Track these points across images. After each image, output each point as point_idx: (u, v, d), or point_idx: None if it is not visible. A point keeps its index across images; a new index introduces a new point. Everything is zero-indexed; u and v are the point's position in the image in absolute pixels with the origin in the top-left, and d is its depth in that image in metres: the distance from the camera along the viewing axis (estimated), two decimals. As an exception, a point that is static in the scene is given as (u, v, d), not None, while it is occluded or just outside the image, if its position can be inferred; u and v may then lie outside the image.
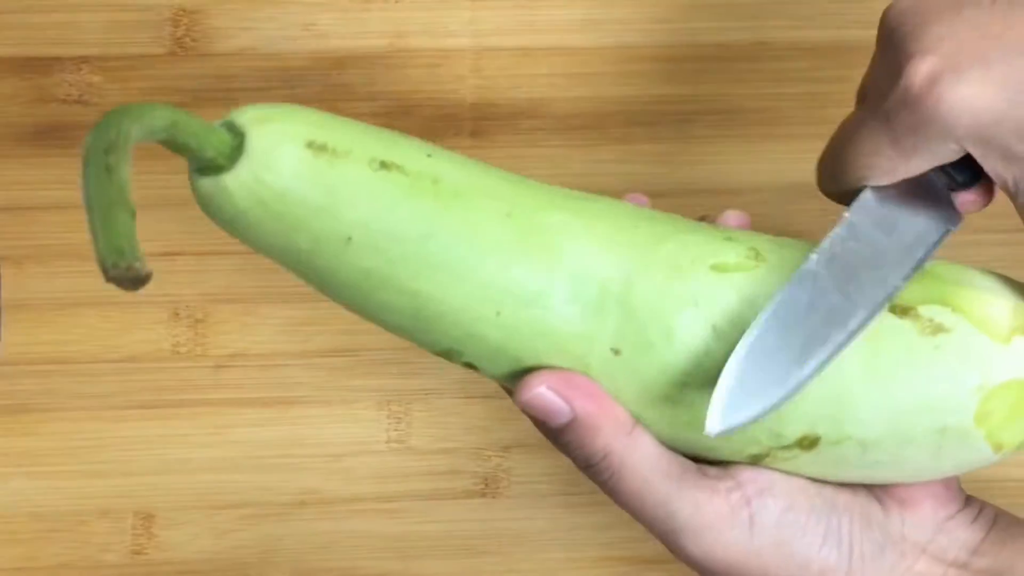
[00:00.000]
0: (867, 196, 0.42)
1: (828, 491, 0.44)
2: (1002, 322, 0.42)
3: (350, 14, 0.64)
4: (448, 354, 0.43)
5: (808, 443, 0.42)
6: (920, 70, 0.39)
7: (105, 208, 0.35)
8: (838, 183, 0.43)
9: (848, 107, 0.65)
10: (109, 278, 0.34)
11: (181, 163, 0.63)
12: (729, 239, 0.43)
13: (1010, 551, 0.43)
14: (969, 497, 0.45)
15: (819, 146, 0.65)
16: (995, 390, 0.42)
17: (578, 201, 0.43)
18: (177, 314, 0.63)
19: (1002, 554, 0.43)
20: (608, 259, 0.42)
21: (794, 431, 0.42)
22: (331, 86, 0.64)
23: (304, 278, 0.42)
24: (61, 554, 0.62)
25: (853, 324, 0.41)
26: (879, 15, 0.65)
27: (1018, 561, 0.43)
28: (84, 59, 0.64)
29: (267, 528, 0.62)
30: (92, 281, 0.63)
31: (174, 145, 0.38)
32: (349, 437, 0.63)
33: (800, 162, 0.64)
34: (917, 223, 0.42)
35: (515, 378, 0.42)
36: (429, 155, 0.42)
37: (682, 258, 0.42)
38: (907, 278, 0.42)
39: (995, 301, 0.42)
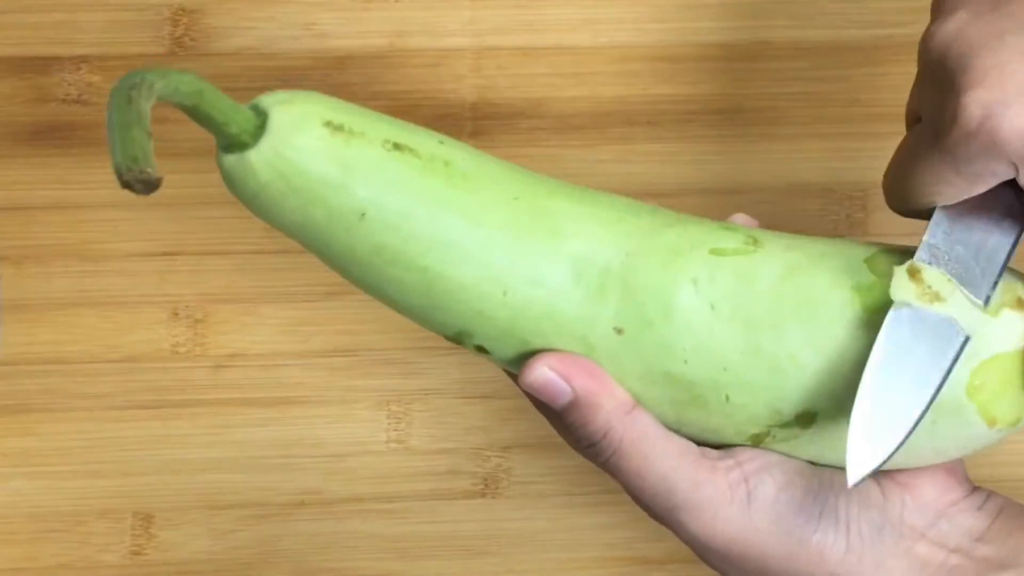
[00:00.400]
0: (940, 216, 0.44)
1: (827, 472, 0.44)
2: (992, 297, 0.43)
3: (350, 14, 0.64)
4: (459, 337, 0.44)
5: (806, 420, 0.43)
6: (973, 104, 0.40)
7: (123, 127, 0.38)
8: (907, 205, 0.45)
9: (848, 107, 0.65)
10: (123, 182, 0.37)
11: (179, 163, 0.63)
12: (729, 229, 0.45)
13: (1017, 540, 0.44)
14: (976, 486, 0.46)
15: (819, 146, 0.65)
16: (985, 363, 0.43)
17: (583, 192, 0.45)
18: (177, 314, 0.63)
19: (1008, 543, 0.44)
20: (610, 243, 0.43)
21: (791, 407, 0.43)
22: (331, 86, 0.64)
23: (322, 255, 0.44)
24: (60, 554, 0.62)
25: (956, 344, 0.42)
26: (879, 15, 0.65)
27: (1022, 552, 0.44)
28: (83, 59, 0.64)
29: (267, 528, 0.62)
30: (92, 281, 0.63)
31: (199, 115, 0.41)
32: (349, 437, 0.63)
33: (800, 162, 0.65)
34: (992, 230, 0.44)
35: (523, 362, 0.44)
36: (441, 142, 0.44)
37: (682, 243, 0.44)
38: (995, 284, 0.43)
39: None
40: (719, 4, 0.65)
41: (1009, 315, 0.43)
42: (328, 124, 0.42)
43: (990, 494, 0.46)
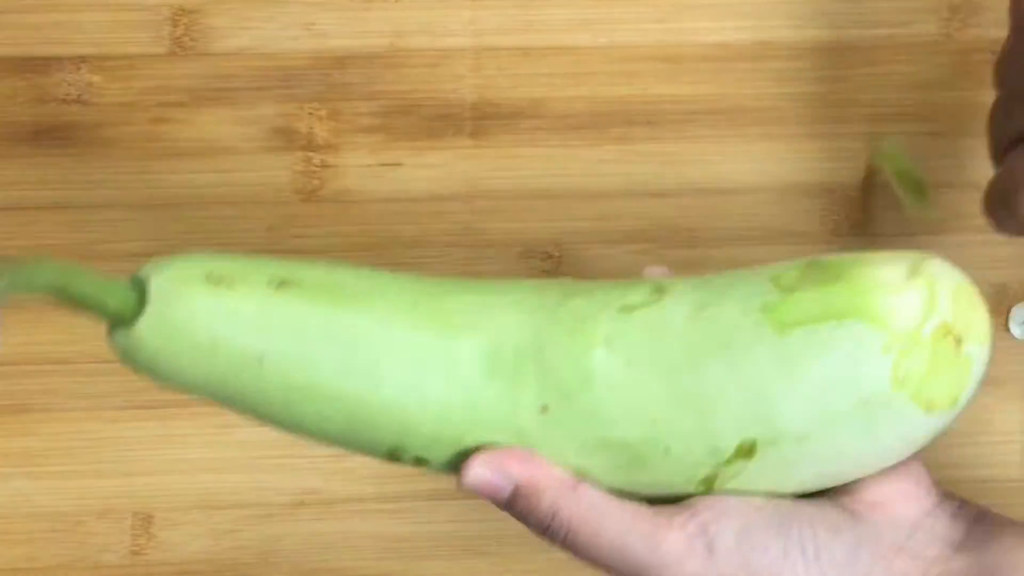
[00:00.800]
0: None
1: (785, 505, 0.44)
2: (896, 280, 0.42)
3: (350, 14, 0.64)
4: (394, 453, 0.44)
5: (747, 450, 0.43)
6: None
7: None
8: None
9: (848, 107, 0.65)
10: None
11: (179, 164, 0.63)
12: (633, 284, 0.45)
13: (996, 549, 0.43)
14: (947, 493, 0.45)
15: (819, 146, 0.65)
16: (903, 349, 0.42)
17: (482, 283, 0.45)
18: (177, 314, 0.63)
19: (987, 552, 0.43)
20: (517, 325, 0.43)
21: (729, 442, 0.43)
22: (331, 86, 0.64)
23: (237, 406, 0.43)
24: (60, 554, 0.62)
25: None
26: (879, 15, 0.65)
27: (1004, 559, 0.43)
28: (83, 59, 0.64)
29: (267, 528, 0.62)
30: (92, 281, 0.63)
31: (72, 299, 0.41)
32: (349, 437, 0.63)
33: (800, 162, 0.65)
34: None
35: (461, 463, 0.44)
36: (329, 270, 0.44)
37: (588, 308, 0.43)
38: None
39: (885, 265, 0.43)
40: (719, 4, 0.65)
41: (912, 291, 0.42)
42: (208, 277, 0.42)
43: (963, 503, 0.45)
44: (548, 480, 0.43)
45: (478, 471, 0.43)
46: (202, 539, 0.62)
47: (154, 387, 0.63)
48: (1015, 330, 0.64)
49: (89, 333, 0.63)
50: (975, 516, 0.44)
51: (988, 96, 0.65)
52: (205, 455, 0.62)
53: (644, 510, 0.43)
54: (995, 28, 0.65)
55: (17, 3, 0.64)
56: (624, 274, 0.59)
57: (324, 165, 0.64)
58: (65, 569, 0.62)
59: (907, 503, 0.44)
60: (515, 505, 0.43)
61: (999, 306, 0.64)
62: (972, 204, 0.47)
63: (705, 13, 0.65)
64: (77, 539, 0.62)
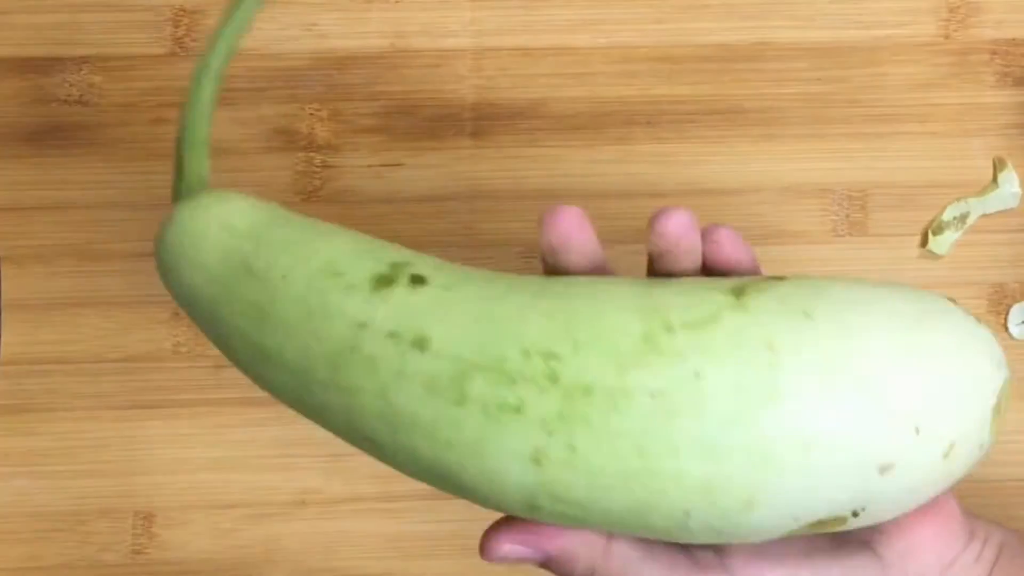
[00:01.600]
0: None
1: (820, 556, 0.43)
2: None
3: (351, 14, 0.64)
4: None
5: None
6: None
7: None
8: None
9: (848, 107, 0.65)
10: None
11: (181, 163, 0.63)
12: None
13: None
14: (974, 528, 0.45)
15: (819, 146, 0.65)
16: None
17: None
18: (178, 314, 0.63)
19: None
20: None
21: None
22: (332, 86, 0.64)
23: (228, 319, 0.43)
24: (62, 554, 0.62)
25: None
26: (879, 15, 0.65)
27: None
28: (85, 59, 0.64)
29: (267, 528, 0.62)
30: (92, 281, 0.63)
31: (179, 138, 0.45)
32: (349, 437, 0.63)
33: (800, 162, 0.65)
34: None
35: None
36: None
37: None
38: None
39: None
40: (719, 4, 0.65)
41: None
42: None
43: (988, 535, 0.45)
44: (579, 545, 0.42)
45: (507, 550, 0.42)
46: (203, 538, 0.62)
47: (154, 386, 0.63)
48: (1014, 330, 0.64)
49: (90, 333, 0.63)
50: (999, 548, 0.44)
51: (988, 96, 0.65)
52: (206, 455, 0.63)
53: (680, 558, 0.43)
54: (995, 28, 0.65)
55: (19, 3, 0.64)
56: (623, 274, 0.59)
57: (325, 165, 0.64)
58: (67, 568, 0.62)
59: (937, 549, 0.44)
60: (549, 567, 0.43)
61: (998, 306, 0.64)
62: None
63: (705, 13, 0.65)
64: (78, 538, 0.62)
